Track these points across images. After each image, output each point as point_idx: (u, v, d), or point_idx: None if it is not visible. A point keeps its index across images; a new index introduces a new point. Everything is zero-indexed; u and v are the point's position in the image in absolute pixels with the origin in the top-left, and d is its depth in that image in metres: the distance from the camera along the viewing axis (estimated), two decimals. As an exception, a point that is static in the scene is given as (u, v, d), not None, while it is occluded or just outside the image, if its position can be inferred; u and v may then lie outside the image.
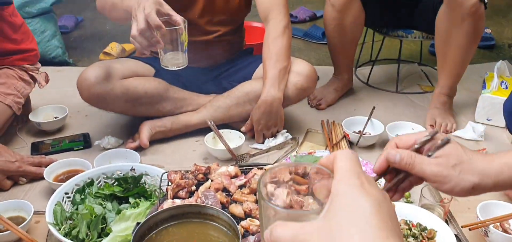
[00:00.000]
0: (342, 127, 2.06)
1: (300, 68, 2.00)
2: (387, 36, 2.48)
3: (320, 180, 0.58)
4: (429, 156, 0.83)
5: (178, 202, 1.04)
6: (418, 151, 0.84)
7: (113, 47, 2.86)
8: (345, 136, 1.99)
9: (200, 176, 1.14)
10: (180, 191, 1.08)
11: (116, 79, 1.88)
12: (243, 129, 1.99)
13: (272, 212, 0.52)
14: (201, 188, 1.09)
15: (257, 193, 0.54)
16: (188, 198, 1.07)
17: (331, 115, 2.27)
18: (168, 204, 1.03)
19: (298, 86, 1.99)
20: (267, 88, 1.90)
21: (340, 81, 2.43)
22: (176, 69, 1.65)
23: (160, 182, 1.15)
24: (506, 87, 2.24)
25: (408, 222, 1.48)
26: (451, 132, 2.16)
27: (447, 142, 0.84)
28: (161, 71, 2.03)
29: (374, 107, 2.12)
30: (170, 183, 1.13)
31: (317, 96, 2.36)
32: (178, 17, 1.54)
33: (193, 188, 1.10)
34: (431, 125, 2.17)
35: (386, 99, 2.48)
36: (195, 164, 1.16)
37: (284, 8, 1.97)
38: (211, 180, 1.13)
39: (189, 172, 1.15)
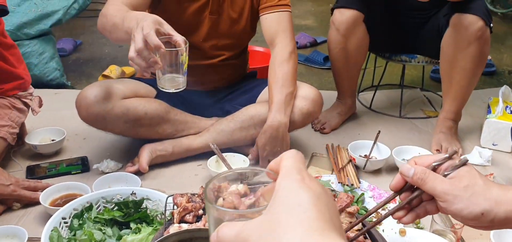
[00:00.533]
0: (347, 151, 2.01)
1: (306, 93, 1.96)
2: (390, 61, 2.46)
3: (268, 184, 0.60)
4: (445, 175, 0.82)
5: (185, 226, 0.98)
6: (435, 170, 0.83)
7: (113, 70, 2.82)
8: (351, 160, 1.95)
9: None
10: (187, 215, 1.02)
11: (116, 99, 1.83)
12: (249, 156, 1.94)
13: (219, 214, 0.53)
14: (209, 212, 1.04)
15: (204, 199, 0.55)
16: (195, 222, 1.01)
17: (336, 139, 2.22)
18: (174, 228, 0.97)
19: (304, 111, 1.95)
20: (273, 113, 1.86)
21: (344, 105, 2.40)
22: (174, 91, 1.55)
23: (165, 205, 1.10)
24: (511, 112, 2.22)
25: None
26: (457, 157, 2.12)
27: (465, 163, 0.81)
28: (163, 93, 1.99)
29: (379, 132, 2.08)
30: (175, 207, 1.08)
31: (321, 120, 2.32)
32: (179, 37, 1.46)
33: (200, 211, 1.05)
34: (437, 150, 2.13)
35: (390, 124, 2.44)
36: (202, 186, 1.11)
37: (290, 33, 1.95)
38: (223, 199, 1.07)
39: (196, 195, 1.09)
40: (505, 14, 4.68)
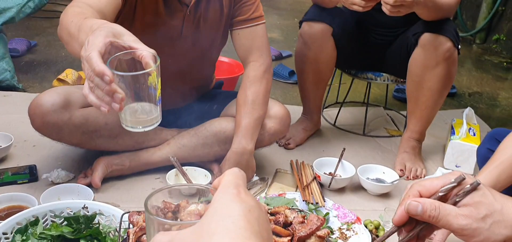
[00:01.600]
0: (312, 168, 1.96)
1: (276, 112, 1.89)
2: (356, 78, 2.44)
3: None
4: (456, 202, 0.75)
5: (141, 248, 0.89)
6: (443, 198, 0.75)
7: (69, 74, 2.67)
8: (316, 177, 1.89)
9: (170, 214, 0.99)
10: (144, 236, 0.93)
11: (75, 108, 1.69)
12: (213, 178, 1.85)
13: (157, 224, 0.55)
14: (169, 232, 0.95)
15: (144, 211, 0.59)
16: (153, 243, 0.92)
17: (300, 155, 2.17)
18: (129, 250, 0.87)
19: (272, 132, 1.88)
20: (238, 138, 1.77)
21: (310, 121, 2.36)
22: (143, 129, 1.09)
23: (120, 224, 1.00)
24: (474, 134, 2.23)
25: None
26: (421, 176, 2.11)
27: (476, 186, 0.74)
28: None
29: (344, 149, 2.05)
30: (131, 226, 0.98)
31: (286, 136, 2.26)
32: (145, 52, 1.03)
33: (159, 231, 0.95)
34: (400, 169, 2.11)
35: (354, 141, 2.41)
36: (163, 200, 1.01)
37: (265, 49, 1.83)
38: (181, 220, 0.98)
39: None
40: (463, 37, 4.81)
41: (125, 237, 0.96)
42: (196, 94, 2.00)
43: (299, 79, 2.30)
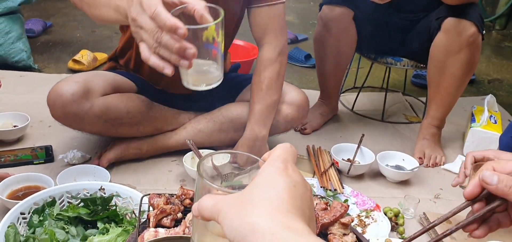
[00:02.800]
0: (329, 153, 1.93)
1: (293, 98, 1.85)
2: (375, 62, 2.39)
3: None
4: None
5: (162, 231, 0.87)
6: None
7: (84, 55, 2.66)
8: (333, 164, 1.86)
9: (187, 201, 0.97)
10: (164, 218, 0.91)
11: (95, 97, 1.64)
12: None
13: (206, 188, 0.56)
14: (189, 216, 0.92)
15: (196, 172, 0.59)
16: (173, 227, 0.90)
17: (317, 141, 2.14)
18: (150, 234, 0.86)
19: (288, 119, 1.84)
20: (251, 125, 1.74)
21: (327, 106, 2.32)
22: (208, 87, 1.00)
23: (140, 206, 0.98)
24: (495, 122, 2.18)
25: None
26: (440, 164, 2.07)
27: None
28: (144, 88, 1.84)
29: (363, 135, 2.01)
30: (151, 208, 0.96)
31: (303, 121, 2.23)
32: (200, 5, 0.92)
33: (179, 214, 0.93)
34: (419, 157, 2.07)
35: (372, 127, 2.37)
36: (181, 186, 1.00)
37: (281, 30, 1.77)
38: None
39: (175, 196, 0.98)
40: (483, 24, 4.70)
41: (144, 221, 0.94)
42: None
43: (318, 64, 2.26)
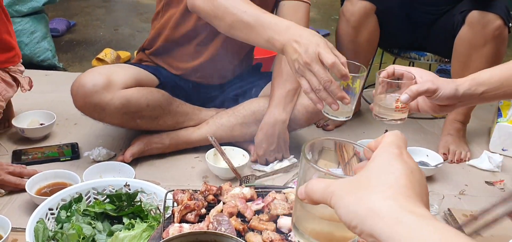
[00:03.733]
0: (354, 147, 1.91)
1: None
2: (398, 57, 2.36)
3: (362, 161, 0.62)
4: None
5: (186, 226, 0.88)
6: None
7: (107, 54, 2.70)
8: (355, 154, 1.84)
9: (211, 197, 0.98)
10: (188, 214, 0.92)
11: (117, 89, 1.68)
12: (252, 158, 1.84)
13: (313, 172, 0.57)
14: (212, 212, 0.93)
15: (301, 156, 0.60)
16: (197, 222, 0.91)
17: (339, 136, 2.11)
18: (175, 229, 0.87)
19: (309, 110, 1.83)
20: (271, 108, 1.75)
21: None
22: (341, 119, 1.33)
23: (164, 202, 0.99)
24: (523, 117, 2.13)
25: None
26: (465, 160, 2.03)
27: None
28: (166, 82, 1.87)
29: (386, 131, 1.98)
30: (175, 204, 0.97)
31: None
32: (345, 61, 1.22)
33: (203, 210, 0.94)
34: (444, 153, 2.04)
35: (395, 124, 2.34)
36: (205, 182, 1.01)
37: (304, 25, 1.79)
38: (223, 203, 0.97)
39: (198, 192, 0.99)
40: (509, 17, 4.60)
41: (168, 216, 0.96)
42: (237, 70, 1.98)
43: None
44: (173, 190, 0.99)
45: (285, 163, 1.84)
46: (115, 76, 1.69)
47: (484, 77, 1.06)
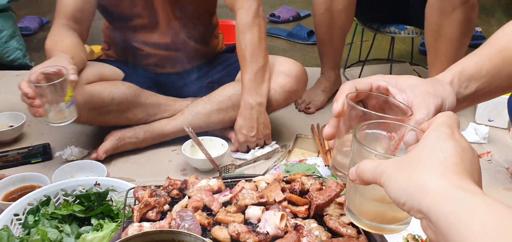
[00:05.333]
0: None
1: (289, 69, 1.79)
2: (378, 32, 2.30)
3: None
4: None
5: (146, 225, 0.82)
6: None
7: (80, 49, 2.61)
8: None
9: (175, 192, 0.92)
10: (150, 212, 0.86)
11: (79, 85, 1.62)
12: (232, 148, 1.78)
13: (365, 154, 0.58)
14: (176, 207, 0.87)
15: (352, 137, 0.61)
16: (159, 220, 0.85)
17: (321, 119, 2.07)
18: (134, 229, 0.80)
19: (286, 89, 1.78)
20: (244, 95, 1.70)
21: (328, 81, 2.24)
22: (58, 124, 1.51)
23: (125, 200, 0.93)
24: (508, 86, 2.08)
25: (416, 237, 1.29)
26: (451, 134, 1.98)
27: None
28: (132, 74, 1.81)
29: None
30: (137, 202, 0.91)
31: (305, 100, 2.16)
32: (61, 67, 1.45)
33: (166, 207, 0.88)
34: (429, 127, 1.98)
35: (379, 101, 2.29)
36: (168, 177, 0.94)
37: None
38: (189, 197, 0.91)
39: (161, 187, 0.93)
40: (492, -14, 4.56)
41: (131, 215, 0.89)
42: (202, 55, 1.92)
43: (316, 31, 2.20)
44: (134, 187, 0.93)
45: (267, 149, 1.78)
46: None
47: (470, 70, 0.82)
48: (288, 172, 1.54)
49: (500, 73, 0.84)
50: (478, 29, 3.25)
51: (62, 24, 1.68)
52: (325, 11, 2.07)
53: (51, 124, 1.50)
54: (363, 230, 0.88)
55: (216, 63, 1.93)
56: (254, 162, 1.74)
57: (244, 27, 1.69)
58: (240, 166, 1.72)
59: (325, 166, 1.64)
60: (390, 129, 0.67)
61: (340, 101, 0.75)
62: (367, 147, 0.59)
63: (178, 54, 1.81)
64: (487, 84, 0.84)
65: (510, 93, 2.00)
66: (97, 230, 1.20)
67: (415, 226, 1.31)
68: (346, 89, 0.76)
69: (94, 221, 1.25)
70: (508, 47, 0.84)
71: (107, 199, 1.34)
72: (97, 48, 2.74)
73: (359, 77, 2.46)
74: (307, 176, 0.95)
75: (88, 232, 1.19)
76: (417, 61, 2.79)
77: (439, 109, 0.74)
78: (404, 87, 0.76)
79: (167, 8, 1.73)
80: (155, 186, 0.93)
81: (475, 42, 3.12)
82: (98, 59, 2.06)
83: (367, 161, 0.57)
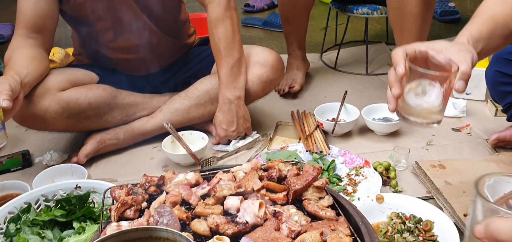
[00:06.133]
0: (314, 116, 1.87)
1: (265, 58, 1.79)
2: (351, 15, 2.31)
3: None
4: None
5: (125, 224, 0.82)
6: None
7: (55, 53, 2.58)
8: (318, 125, 1.80)
9: (152, 188, 0.92)
10: (127, 211, 0.85)
11: (52, 93, 1.60)
12: (213, 141, 1.78)
13: (491, 210, 0.57)
14: (154, 204, 0.87)
15: (474, 193, 0.60)
16: (137, 218, 0.85)
17: (302, 104, 2.08)
18: (112, 228, 0.80)
19: (264, 79, 1.78)
20: (221, 90, 1.69)
21: (297, 59, 2.27)
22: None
23: (103, 200, 0.93)
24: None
25: (400, 215, 1.31)
26: (430, 110, 2.00)
27: None
28: (106, 76, 1.79)
29: (346, 92, 1.94)
30: (115, 201, 0.91)
31: (287, 82, 2.17)
32: None
33: (144, 204, 0.88)
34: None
35: (357, 82, 2.31)
36: (144, 174, 0.94)
37: None
38: (166, 193, 0.91)
39: (138, 185, 0.92)
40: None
41: (109, 216, 0.89)
42: (176, 52, 1.90)
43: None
44: (111, 187, 0.93)
45: (248, 140, 1.78)
46: (48, 81, 1.62)
47: (475, 33, 1.06)
48: (269, 160, 1.54)
49: (493, 35, 1.09)
50: (451, 4, 3.28)
51: (21, 35, 1.61)
52: None
53: None
54: (343, 212, 0.89)
55: (190, 58, 1.92)
56: (236, 153, 1.74)
57: (217, 20, 1.67)
58: (222, 158, 1.72)
59: (307, 151, 1.65)
60: (440, 80, 0.89)
61: (402, 65, 0.93)
62: (503, 209, 0.57)
63: (149, 56, 1.79)
64: (486, 44, 1.07)
65: (487, 65, 2.04)
66: (80, 233, 1.19)
67: (398, 205, 1.34)
68: (400, 54, 0.95)
69: (76, 224, 1.24)
70: (494, 14, 1.10)
71: (88, 201, 1.33)
72: (72, 51, 2.71)
73: (336, 60, 2.48)
74: (284, 162, 0.95)
75: (70, 236, 1.19)
76: (392, 40, 2.80)
77: (473, 60, 0.95)
78: (440, 48, 0.96)
79: (129, 8, 1.69)
80: (132, 184, 0.93)
81: (450, 18, 3.16)
82: (71, 64, 2.04)
83: (502, 219, 0.54)
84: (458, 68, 0.92)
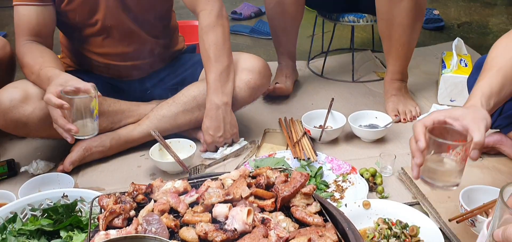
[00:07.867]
0: (301, 123, 1.88)
1: (252, 65, 1.80)
2: (338, 23, 2.33)
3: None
4: None
5: (113, 233, 0.82)
6: None
7: (41, 61, 2.56)
8: (305, 132, 1.81)
9: (140, 197, 0.92)
10: (116, 219, 0.85)
11: (36, 99, 1.59)
12: (201, 149, 1.78)
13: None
14: (142, 212, 0.87)
15: (498, 199, 0.63)
16: (126, 227, 0.85)
17: (289, 112, 2.09)
18: (100, 237, 0.80)
19: (251, 85, 1.79)
20: (209, 96, 1.69)
21: (287, 68, 2.29)
22: (83, 138, 1.57)
23: (90, 209, 0.92)
24: (466, 65, 2.14)
25: (386, 220, 1.32)
26: (417, 116, 2.02)
27: None
28: (92, 82, 1.78)
29: (333, 99, 1.96)
30: (103, 210, 0.90)
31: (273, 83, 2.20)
32: (87, 86, 1.48)
33: (132, 212, 0.88)
34: (395, 115, 2.02)
35: (343, 89, 2.33)
36: (132, 182, 0.94)
37: None
38: (155, 201, 0.91)
39: (126, 194, 0.92)
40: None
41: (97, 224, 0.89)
42: (164, 59, 1.90)
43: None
44: (98, 196, 0.93)
45: (235, 147, 1.79)
46: (32, 88, 1.61)
47: (486, 91, 1.13)
48: (257, 167, 1.55)
49: (503, 87, 1.16)
50: (436, 12, 3.33)
51: (29, 41, 1.62)
52: (276, 5, 2.12)
53: (79, 137, 1.54)
54: (330, 218, 0.90)
55: (178, 65, 1.92)
56: (224, 160, 1.75)
57: (208, 27, 1.68)
58: (210, 165, 1.72)
59: (294, 158, 1.66)
60: (457, 148, 1.00)
61: (422, 139, 1.03)
62: None
63: (138, 62, 1.79)
64: (498, 97, 1.14)
65: (469, 73, 2.07)
66: (67, 242, 1.18)
67: (384, 210, 1.35)
68: (420, 129, 1.05)
69: (63, 234, 1.24)
70: (502, 67, 1.17)
71: (76, 210, 1.32)
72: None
73: (323, 68, 2.50)
74: (272, 169, 0.96)
75: (58, 246, 1.18)
76: (378, 48, 2.83)
77: (487, 128, 1.04)
78: (456, 116, 1.06)
79: (118, 15, 1.70)
80: (120, 192, 0.93)
81: (434, 25, 3.20)
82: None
83: None
84: (472, 140, 1.02)
